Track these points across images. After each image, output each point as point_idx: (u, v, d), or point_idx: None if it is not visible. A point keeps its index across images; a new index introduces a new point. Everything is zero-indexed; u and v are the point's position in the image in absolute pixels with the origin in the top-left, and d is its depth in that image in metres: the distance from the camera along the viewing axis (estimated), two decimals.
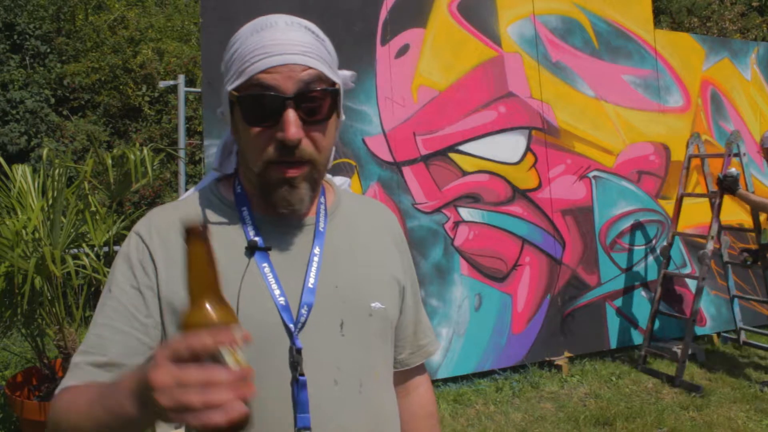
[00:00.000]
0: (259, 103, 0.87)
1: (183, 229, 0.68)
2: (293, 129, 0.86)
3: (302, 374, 0.89)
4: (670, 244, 4.62)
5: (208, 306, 0.67)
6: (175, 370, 0.63)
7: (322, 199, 1.02)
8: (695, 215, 4.96)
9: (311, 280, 0.94)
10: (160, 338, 0.91)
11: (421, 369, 1.18)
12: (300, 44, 0.88)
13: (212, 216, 0.98)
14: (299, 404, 0.89)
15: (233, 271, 0.92)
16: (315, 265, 0.95)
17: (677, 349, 4.60)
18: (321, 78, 0.89)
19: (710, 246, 4.28)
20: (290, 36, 0.88)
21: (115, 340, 0.89)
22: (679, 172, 4.73)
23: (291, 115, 0.86)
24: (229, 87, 0.89)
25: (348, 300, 0.96)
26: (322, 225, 0.99)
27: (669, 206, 4.99)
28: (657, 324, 4.75)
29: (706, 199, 4.76)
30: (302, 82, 0.87)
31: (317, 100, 0.88)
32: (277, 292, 0.92)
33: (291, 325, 0.91)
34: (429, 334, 1.17)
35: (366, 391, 0.95)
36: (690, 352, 4.46)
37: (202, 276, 0.68)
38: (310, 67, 0.88)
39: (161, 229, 0.95)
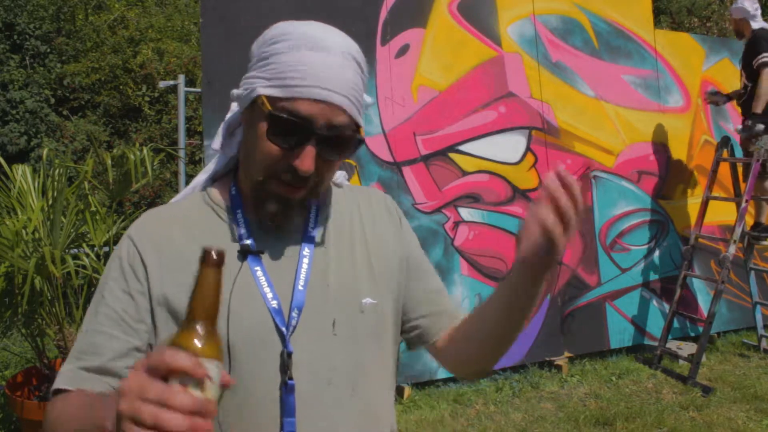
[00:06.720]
0: (288, 127, 0.88)
1: (201, 251, 0.68)
2: (309, 163, 0.88)
3: (291, 378, 0.89)
4: (693, 246, 4.62)
5: (198, 331, 0.66)
6: (143, 379, 0.61)
7: (314, 200, 1.02)
8: (692, 216, 4.96)
9: (301, 282, 0.94)
10: (151, 341, 0.92)
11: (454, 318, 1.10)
12: (348, 86, 0.90)
13: (205, 219, 0.98)
14: (286, 408, 0.89)
15: (226, 274, 0.92)
16: (305, 266, 0.95)
17: (678, 348, 4.60)
18: (350, 125, 0.92)
19: (732, 250, 4.29)
20: (344, 73, 0.89)
21: (106, 346, 0.89)
22: (680, 172, 4.73)
23: (311, 150, 0.88)
24: (265, 91, 0.89)
25: (339, 298, 0.96)
26: (312, 225, 1.00)
27: (669, 206, 4.99)
28: (661, 323, 4.75)
29: (699, 201, 4.79)
30: (334, 126, 0.89)
31: (339, 145, 0.92)
32: (269, 295, 0.92)
33: (283, 329, 0.91)
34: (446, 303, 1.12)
35: (359, 392, 0.95)
36: (688, 353, 4.46)
37: (205, 302, 0.67)
38: (346, 113, 0.90)
39: (154, 232, 0.96)
